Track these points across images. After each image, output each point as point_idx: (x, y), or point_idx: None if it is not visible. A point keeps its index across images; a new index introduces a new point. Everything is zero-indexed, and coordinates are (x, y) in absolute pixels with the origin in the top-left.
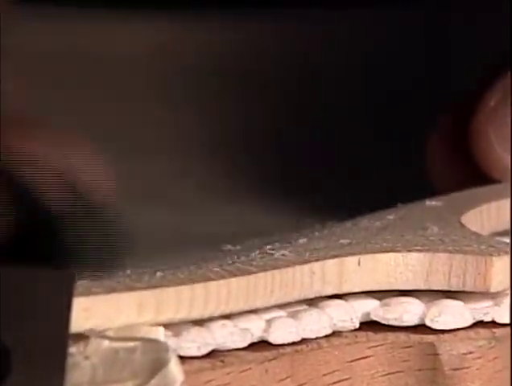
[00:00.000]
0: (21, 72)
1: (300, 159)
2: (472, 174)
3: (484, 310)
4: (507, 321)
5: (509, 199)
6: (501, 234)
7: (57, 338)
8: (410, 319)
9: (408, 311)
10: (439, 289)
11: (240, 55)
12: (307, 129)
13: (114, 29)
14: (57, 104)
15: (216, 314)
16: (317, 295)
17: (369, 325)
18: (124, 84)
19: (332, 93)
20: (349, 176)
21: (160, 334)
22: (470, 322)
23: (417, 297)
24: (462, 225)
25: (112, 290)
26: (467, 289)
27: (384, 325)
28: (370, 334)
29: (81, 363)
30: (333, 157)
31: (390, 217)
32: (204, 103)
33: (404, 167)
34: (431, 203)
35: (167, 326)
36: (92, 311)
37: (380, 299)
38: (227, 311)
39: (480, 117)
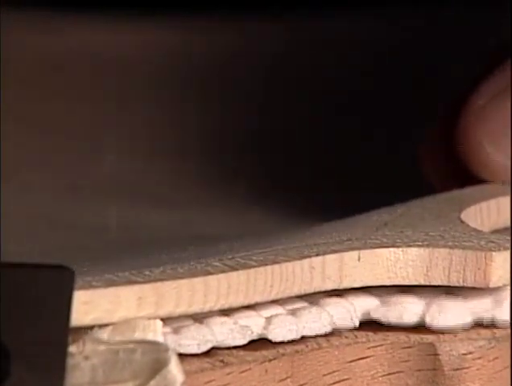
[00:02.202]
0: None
1: (300, 159)
2: (472, 174)
3: (484, 309)
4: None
5: (509, 197)
6: (501, 232)
7: (57, 338)
8: (411, 318)
9: (408, 310)
10: (439, 284)
11: (240, 55)
12: (306, 129)
13: (114, 29)
14: (57, 104)
15: (216, 308)
16: (317, 290)
17: (369, 325)
18: (124, 84)
19: (331, 93)
20: (349, 176)
21: (158, 327)
22: (470, 321)
23: (417, 295)
24: (462, 221)
25: (112, 284)
26: (467, 284)
27: (384, 325)
28: (370, 334)
29: (81, 363)
30: (333, 157)
31: (390, 214)
32: (203, 103)
33: (404, 167)
34: (431, 200)
35: (166, 323)
36: (92, 305)
37: (380, 298)
38: (227, 306)
39: (466, 117)
